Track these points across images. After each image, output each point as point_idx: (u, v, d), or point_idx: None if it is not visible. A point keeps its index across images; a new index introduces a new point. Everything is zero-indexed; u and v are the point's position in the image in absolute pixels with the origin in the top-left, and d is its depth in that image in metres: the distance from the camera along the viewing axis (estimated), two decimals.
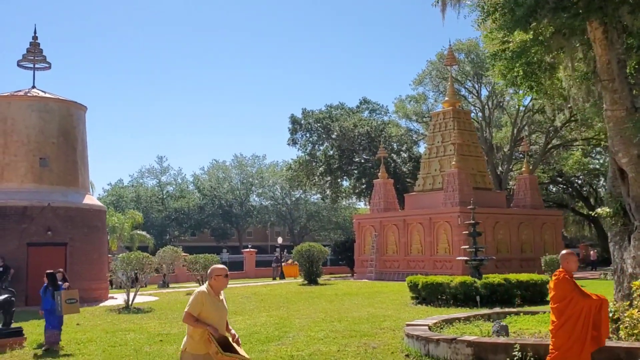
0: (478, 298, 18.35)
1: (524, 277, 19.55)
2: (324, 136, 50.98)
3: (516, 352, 8.61)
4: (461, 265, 28.68)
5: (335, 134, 49.75)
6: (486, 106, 48.84)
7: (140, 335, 13.96)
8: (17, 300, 15.74)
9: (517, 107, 46.84)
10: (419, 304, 19.42)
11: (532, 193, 37.71)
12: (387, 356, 10.53)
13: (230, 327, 6.37)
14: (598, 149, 45.77)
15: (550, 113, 34.65)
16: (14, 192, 22.77)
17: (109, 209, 41.02)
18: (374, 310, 17.99)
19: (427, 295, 19.50)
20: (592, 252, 45.81)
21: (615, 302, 9.84)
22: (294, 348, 11.51)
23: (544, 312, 12.90)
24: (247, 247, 52.83)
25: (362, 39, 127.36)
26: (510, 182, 47.32)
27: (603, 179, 51.47)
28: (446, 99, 38.32)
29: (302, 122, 51.23)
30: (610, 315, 8.77)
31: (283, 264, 41.91)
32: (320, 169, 50.93)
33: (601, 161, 50.15)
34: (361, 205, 67.55)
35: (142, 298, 23.77)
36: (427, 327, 11.12)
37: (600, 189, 55.10)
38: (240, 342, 6.29)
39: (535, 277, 19.78)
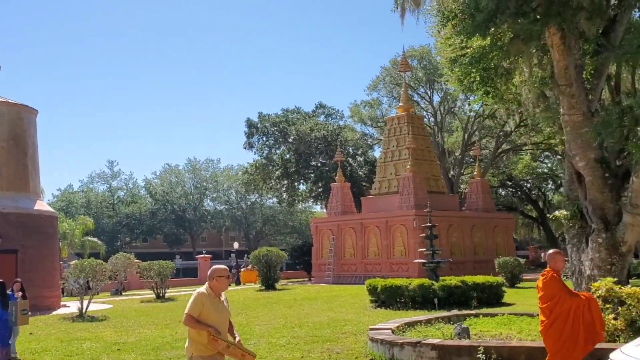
0: (436, 300, 18.52)
1: (480, 279, 19.83)
2: (280, 140, 50.84)
3: (480, 355, 8.69)
4: (417, 268, 28.97)
5: (292, 137, 49.70)
6: (438, 112, 49.65)
7: (96, 344, 13.55)
8: None
9: (468, 112, 47.75)
10: (378, 307, 19.48)
11: (484, 196, 38.43)
12: None
13: (235, 331, 6.29)
14: (547, 153, 46.97)
15: (505, 118, 35.37)
16: None
17: (59, 215, 39.81)
18: (334, 314, 17.94)
19: (386, 299, 19.56)
20: (542, 254, 47.07)
21: None
22: (256, 356, 11.32)
23: (503, 314, 13.13)
24: (201, 253, 52.12)
25: (317, 44, 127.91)
26: (462, 186, 48.14)
27: (551, 183, 52.94)
28: (400, 104, 38.73)
29: (259, 125, 50.99)
30: None
31: (242, 269, 41.48)
32: (277, 172, 50.77)
33: (550, 165, 51.51)
34: (317, 209, 67.67)
35: (95, 306, 23.15)
36: (390, 331, 11.10)
37: (548, 192, 56.60)
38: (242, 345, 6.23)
39: (491, 279, 20.12)
